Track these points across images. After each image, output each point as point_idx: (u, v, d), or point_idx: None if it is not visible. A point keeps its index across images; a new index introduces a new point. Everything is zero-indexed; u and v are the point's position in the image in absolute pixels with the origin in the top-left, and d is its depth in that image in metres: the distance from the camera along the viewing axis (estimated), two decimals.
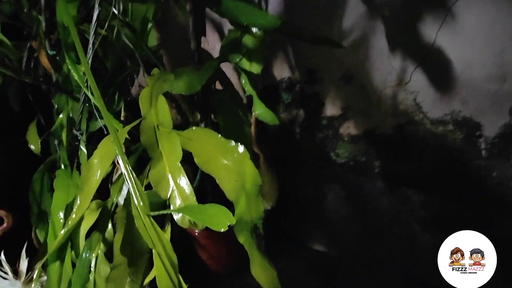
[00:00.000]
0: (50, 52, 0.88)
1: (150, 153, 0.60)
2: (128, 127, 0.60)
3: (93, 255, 0.68)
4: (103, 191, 0.79)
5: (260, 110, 0.73)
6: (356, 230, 1.09)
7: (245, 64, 0.73)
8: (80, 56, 0.52)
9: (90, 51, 0.67)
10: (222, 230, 0.45)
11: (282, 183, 1.11)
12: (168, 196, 0.57)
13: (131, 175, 0.51)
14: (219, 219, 0.46)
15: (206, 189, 1.00)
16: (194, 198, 0.56)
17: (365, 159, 0.99)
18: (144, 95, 0.64)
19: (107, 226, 0.70)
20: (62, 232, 0.62)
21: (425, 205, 0.94)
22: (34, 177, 0.89)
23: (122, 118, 0.90)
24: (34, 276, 0.68)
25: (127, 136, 0.60)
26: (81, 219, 0.69)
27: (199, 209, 0.48)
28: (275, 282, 0.63)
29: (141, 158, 0.64)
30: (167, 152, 0.59)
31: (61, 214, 0.68)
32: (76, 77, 0.68)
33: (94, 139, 0.87)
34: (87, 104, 0.82)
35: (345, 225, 1.11)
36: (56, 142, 0.87)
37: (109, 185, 0.93)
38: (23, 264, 0.79)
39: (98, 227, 0.70)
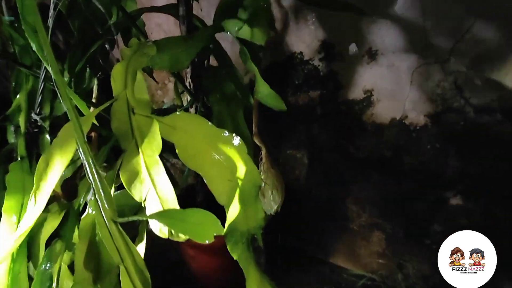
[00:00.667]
0: (7, 19, 0.85)
1: (122, 143, 0.58)
2: (96, 111, 0.58)
3: (55, 267, 0.65)
4: (71, 189, 0.77)
5: (263, 92, 0.71)
6: (380, 240, 1.07)
7: (246, 33, 0.70)
8: (34, 19, 0.48)
9: (52, 14, 0.63)
10: (207, 242, 0.42)
11: (289, 183, 1.10)
12: (144, 199, 0.55)
13: (93, 170, 0.48)
14: (203, 228, 0.44)
15: (196, 190, 0.99)
16: (176, 201, 0.54)
17: (392, 154, 0.97)
18: (118, 71, 0.61)
19: (73, 233, 0.67)
20: (14, 240, 0.59)
21: (466, 212, 0.91)
22: None
23: (93, 100, 0.87)
24: None
25: (95, 122, 0.57)
26: (40, 224, 0.66)
27: (179, 216, 0.45)
28: None
29: (117, 149, 0.63)
30: (144, 143, 0.56)
31: (14, 218, 0.65)
32: (34, 48, 0.64)
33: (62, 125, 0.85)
34: (50, 83, 0.80)
35: (366, 235, 1.09)
36: (12, 128, 0.85)
37: (78, 182, 0.91)
38: None
39: (61, 233, 0.68)
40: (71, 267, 0.67)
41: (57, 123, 0.83)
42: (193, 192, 1.00)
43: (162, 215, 0.47)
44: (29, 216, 0.57)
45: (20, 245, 0.67)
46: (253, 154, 0.76)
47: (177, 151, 0.56)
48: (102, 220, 0.48)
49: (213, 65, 0.85)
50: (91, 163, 0.48)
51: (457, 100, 0.85)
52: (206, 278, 1.05)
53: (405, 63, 0.87)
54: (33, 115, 0.78)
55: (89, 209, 0.59)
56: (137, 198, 0.55)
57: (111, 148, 0.72)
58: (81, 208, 0.70)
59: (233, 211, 0.55)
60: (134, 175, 0.56)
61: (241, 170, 0.56)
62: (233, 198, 0.56)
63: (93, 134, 0.86)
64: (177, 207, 0.53)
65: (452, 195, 0.93)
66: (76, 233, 0.68)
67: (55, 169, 0.57)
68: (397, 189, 0.99)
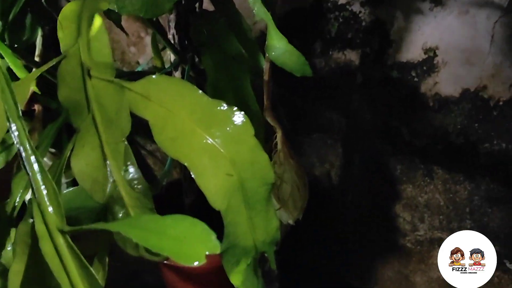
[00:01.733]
0: None
1: (74, 120, 0.57)
2: (36, 73, 0.57)
3: None
4: (3, 186, 0.77)
5: (279, 50, 0.70)
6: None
7: None
8: None
9: None
10: (196, 265, 0.41)
11: (314, 180, 1.10)
12: (105, 199, 0.55)
13: (31, 158, 0.47)
14: (190, 244, 0.42)
15: (183, 188, 0.98)
16: (151, 202, 0.54)
17: (463, 141, 0.96)
18: (67, 15, 0.61)
19: (4, 247, 0.67)
20: None
21: None
22: None
23: (36, 58, 0.87)
24: None
25: (36, 90, 0.56)
26: None
27: (155, 226, 0.44)
28: None
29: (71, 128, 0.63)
30: (104, 120, 0.56)
31: None
32: None
33: None
34: None
35: (424, 255, 1.09)
36: None
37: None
38: None
39: None
40: None
41: None
42: (178, 191, 0.99)
43: (131, 225, 0.45)
44: None
45: None
46: (264, 138, 0.75)
47: (152, 132, 0.55)
48: (44, 229, 0.47)
49: (208, 10, 0.85)
50: (29, 148, 0.47)
51: None
52: None
53: (484, 11, 0.86)
54: None
55: (28, 214, 0.58)
56: (96, 197, 0.55)
57: (62, 128, 0.71)
58: (15, 213, 0.70)
59: (233, 220, 0.55)
60: (91, 166, 0.55)
61: (245, 160, 0.56)
62: (234, 201, 0.55)
63: (36, 107, 0.86)
64: (153, 212, 0.52)
65: None
66: (8, 248, 0.68)
67: None
68: (470, 190, 0.99)
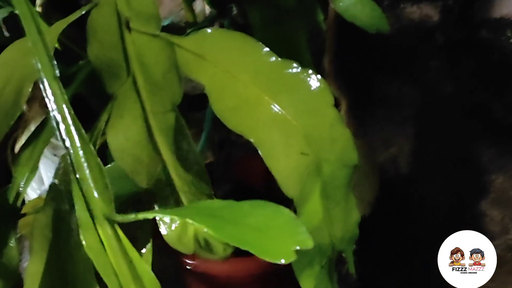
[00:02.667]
0: None
1: (109, 84, 0.58)
2: (61, 24, 0.58)
3: None
4: None
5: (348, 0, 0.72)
6: None
7: None
8: None
9: None
10: (283, 262, 0.42)
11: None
12: (150, 183, 0.56)
13: (70, 127, 0.49)
14: (275, 236, 0.43)
15: (216, 175, 0.99)
16: (209, 187, 0.56)
17: None
18: None
19: (5, 243, 0.69)
20: None
21: None
22: None
23: (38, 8, 0.88)
24: None
25: (57, 45, 0.58)
26: None
27: (230, 213, 0.45)
28: None
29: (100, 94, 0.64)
30: (149, 83, 0.57)
31: None
32: None
33: None
34: None
35: None
36: None
37: (8, 161, 0.93)
38: None
39: None
40: None
41: None
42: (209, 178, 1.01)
43: (200, 211, 0.46)
44: None
45: None
46: None
47: (209, 100, 0.56)
48: (87, 218, 0.49)
49: None
50: (69, 116, 0.49)
51: None
52: None
53: None
54: None
55: (44, 202, 0.60)
56: (138, 181, 0.56)
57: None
58: (20, 202, 0.71)
59: (308, 210, 0.56)
60: (132, 141, 0.57)
61: (323, 136, 0.57)
62: (309, 187, 0.56)
63: None
64: (213, 197, 0.55)
65: None
66: (13, 244, 0.70)
67: None
68: None
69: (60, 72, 0.63)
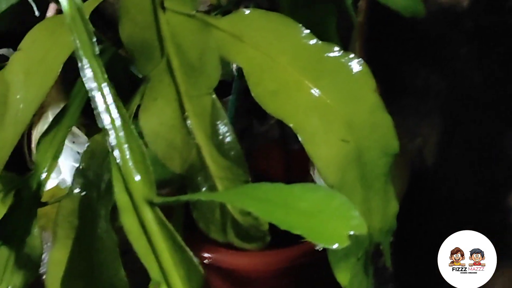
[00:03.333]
0: None
1: (141, 66, 0.59)
2: (93, 2, 0.59)
3: None
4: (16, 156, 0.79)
5: None
6: None
7: None
8: None
9: None
10: (336, 247, 0.43)
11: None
12: (186, 168, 0.57)
13: (110, 106, 0.50)
14: (327, 220, 0.44)
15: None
16: (246, 173, 0.57)
17: None
18: None
19: (28, 232, 0.70)
20: None
21: None
22: None
23: None
24: None
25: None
26: None
27: (280, 196, 0.46)
28: None
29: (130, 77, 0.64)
30: (185, 65, 0.58)
31: None
32: None
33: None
34: None
35: None
36: None
37: (24, 149, 0.94)
38: None
39: (7, 233, 0.70)
40: None
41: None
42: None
43: (248, 195, 0.47)
44: None
45: None
46: None
47: (248, 83, 0.57)
48: (127, 201, 0.50)
49: None
50: (109, 94, 0.50)
51: None
52: None
53: None
54: None
55: (74, 185, 0.61)
56: (172, 166, 0.57)
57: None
58: (43, 189, 0.72)
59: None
60: (166, 126, 0.58)
61: (365, 122, 0.58)
62: (349, 175, 0.57)
63: None
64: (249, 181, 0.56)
65: None
66: (36, 234, 0.71)
67: (16, 110, 0.59)
68: None
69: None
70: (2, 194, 0.70)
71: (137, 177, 0.50)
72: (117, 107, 0.51)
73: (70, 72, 0.62)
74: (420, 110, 1.12)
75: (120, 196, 0.50)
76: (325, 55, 0.58)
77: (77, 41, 0.51)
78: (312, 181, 0.96)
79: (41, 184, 0.70)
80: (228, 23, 0.59)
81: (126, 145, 0.50)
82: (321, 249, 0.98)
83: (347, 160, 0.57)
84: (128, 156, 0.50)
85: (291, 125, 0.57)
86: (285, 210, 0.45)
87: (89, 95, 0.51)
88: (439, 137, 1.12)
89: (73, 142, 0.88)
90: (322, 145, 0.57)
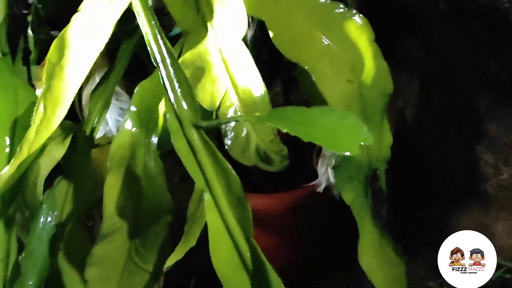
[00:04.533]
0: None
1: (181, 23, 0.60)
2: None
3: (58, 218, 0.69)
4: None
5: None
6: None
7: None
8: None
9: None
10: (348, 154, 0.45)
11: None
12: (218, 104, 0.59)
13: (162, 47, 0.51)
14: (342, 134, 0.46)
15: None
16: (269, 104, 0.58)
17: None
18: None
19: (84, 168, 0.71)
20: (5, 171, 0.62)
21: None
22: None
23: None
24: None
25: None
26: (38, 154, 0.69)
27: (303, 116, 0.47)
28: (400, 285, 0.64)
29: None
30: (217, 19, 0.59)
31: (7, 140, 0.69)
32: None
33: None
34: None
35: (508, 202, 1.11)
36: None
37: (76, 110, 0.95)
38: None
39: (67, 169, 0.72)
40: (82, 220, 0.71)
41: None
42: None
43: (277, 116, 0.49)
44: (38, 137, 0.60)
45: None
46: None
47: (270, 34, 0.59)
48: (176, 125, 0.51)
49: None
50: (160, 38, 0.51)
51: None
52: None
53: None
54: None
55: (126, 124, 0.63)
56: (206, 103, 0.58)
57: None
58: (96, 133, 0.74)
59: None
60: (201, 70, 0.59)
61: (366, 66, 0.59)
62: (353, 110, 0.59)
63: None
64: None
65: None
66: (89, 168, 0.72)
67: (79, 61, 0.60)
68: None
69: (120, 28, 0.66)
70: (62, 137, 0.71)
71: (185, 105, 0.52)
72: (167, 48, 0.52)
73: (110, 43, 0.63)
74: (402, 78, 1.12)
75: (171, 121, 0.52)
76: (333, 11, 0.59)
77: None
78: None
79: (93, 129, 0.72)
80: None
81: (175, 79, 0.52)
82: (322, 191, 1.00)
83: (351, 97, 0.59)
84: (177, 87, 0.52)
85: (306, 67, 0.58)
86: (307, 127, 0.47)
87: (145, 39, 0.52)
88: (419, 99, 1.13)
89: (117, 100, 0.89)
90: (331, 84, 0.58)
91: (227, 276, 0.49)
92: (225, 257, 0.50)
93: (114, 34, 0.61)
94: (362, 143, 0.45)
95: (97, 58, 0.91)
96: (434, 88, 1.11)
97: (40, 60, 0.89)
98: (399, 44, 1.09)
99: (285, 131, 0.46)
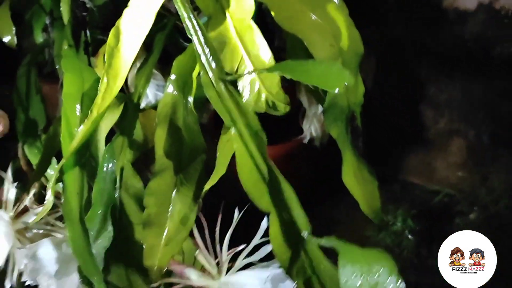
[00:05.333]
0: None
1: (204, 9, 0.60)
2: None
3: (117, 166, 0.70)
4: None
5: None
6: (460, 149, 1.11)
7: None
8: None
9: None
10: (337, 91, 0.46)
11: None
12: (236, 68, 0.58)
13: (193, 22, 0.52)
14: (331, 77, 0.47)
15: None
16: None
17: (478, 47, 1.00)
18: None
19: (133, 127, 0.71)
20: (81, 129, 0.63)
21: None
22: (19, 72, 0.89)
23: None
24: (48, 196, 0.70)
25: None
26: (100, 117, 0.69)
27: (301, 68, 0.48)
28: (374, 197, 0.65)
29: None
30: (232, 5, 0.59)
31: (78, 106, 0.69)
32: None
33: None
34: None
35: (444, 144, 1.13)
36: (47, 20, 0.87)
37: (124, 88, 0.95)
38: (10, 190, 0.82)
39: (121, 128, 0.72)
40: (135, 165, 0.71)
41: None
42: None
43: (283, 67, 0.50)
44: (103, 100, 0.60)
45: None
46: None
47: (272, 13, 0.58)
48: (208, 80, 0.52)
49: None
50: (192, 16, 0.52)
51: None
52: None
53: None
54: None
55: (168, 89, 0.63)
56: (227, 68, 0.58)
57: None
58: (141, 101, 0.74)
59: None
60: (222, 44, 0.59)
61: (343, 34, 0.59)
62: None
63: None
64: None
65: None
66: (137, 127, 0.72)
67: (130, 44, 0.60)
68: (483, 88, 1.02)
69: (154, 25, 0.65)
70: (117, 104, 0.71)
71: (214, 64, 0.52)
72: (198, 23, 0.53)
73: (147, 38, 0.62)
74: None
75: (204, 77, 0.53)
76: None
77: None
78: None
79: (139, 98, 0.72)
80: None
81: (205, 45, 0.52)
82: (307, 141, 1.01)
83: (334, 57, 0.59)
84: (207, 52, 0.52)
85: (300, 37, 0.58)
86: (305, 74, 0.48)
87: (181, 18, 0.53)
88: (375, 71, 1.14)
89: (154, 79, 0.89)
90: (319, 48, 0.59)
91: (251, 188, 0.50)
92: (249, 174, 0.51)
93: (150, 30, 0.61)
94: (346, 83, 0.46)
95: (138, 50, 0.91)
96: (387, 62, 1.11)
97: (94, 52, 0.88)
98: (360, 31, 1.09)
99: (289, 77, 0.47)
